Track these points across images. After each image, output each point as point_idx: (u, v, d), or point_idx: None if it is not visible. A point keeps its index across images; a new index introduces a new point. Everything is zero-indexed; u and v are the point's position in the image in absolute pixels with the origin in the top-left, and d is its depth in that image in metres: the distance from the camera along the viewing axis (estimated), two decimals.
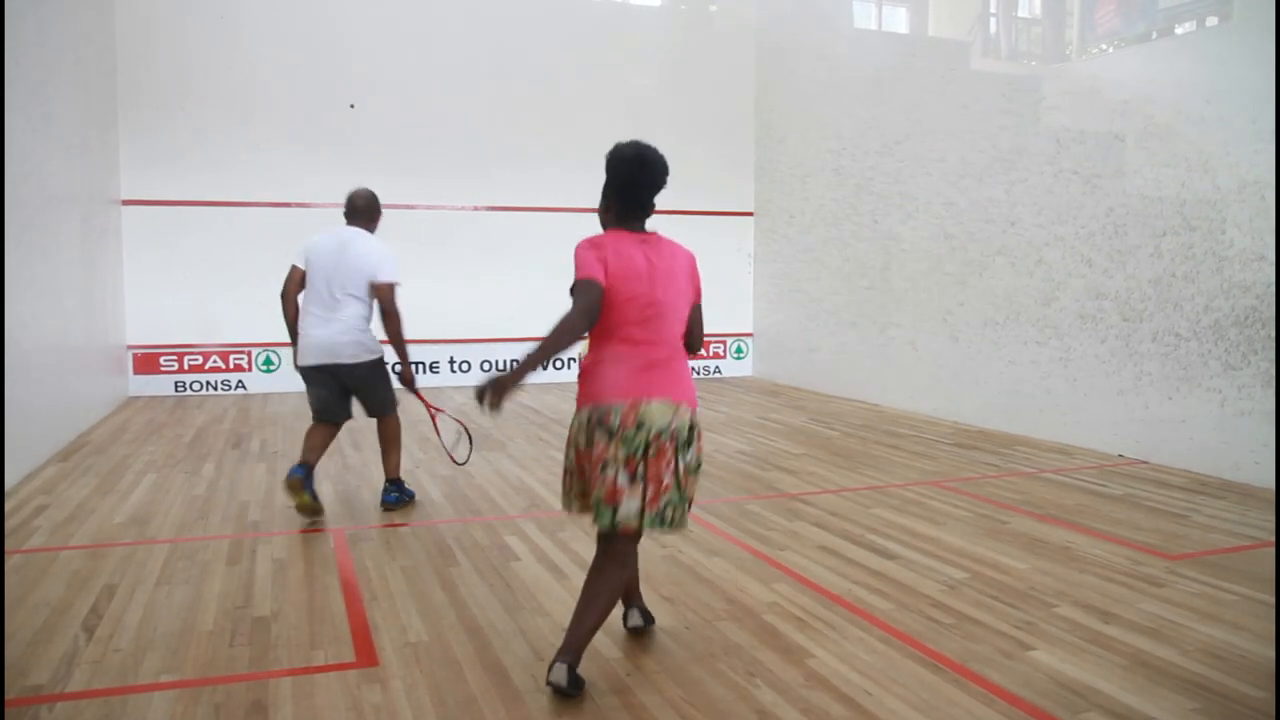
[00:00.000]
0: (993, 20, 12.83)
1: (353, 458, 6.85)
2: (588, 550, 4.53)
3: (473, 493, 5.77)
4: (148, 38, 9.94)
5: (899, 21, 13.76)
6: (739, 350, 12.28)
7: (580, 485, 3.07)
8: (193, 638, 3.44)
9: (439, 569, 4.27)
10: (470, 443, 5.95)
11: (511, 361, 2.96)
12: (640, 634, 3.48)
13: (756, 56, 12.10)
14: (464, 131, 11.01)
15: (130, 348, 9.99)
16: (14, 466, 5.81)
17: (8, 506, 5.33)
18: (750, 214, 12.24)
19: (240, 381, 10.41)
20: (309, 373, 5.17)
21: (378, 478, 6.17)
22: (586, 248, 3.04)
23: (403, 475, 6.24)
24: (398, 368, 5.25)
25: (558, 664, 2.92)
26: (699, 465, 3.11)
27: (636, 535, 3.07)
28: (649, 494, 2.95)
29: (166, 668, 3.18)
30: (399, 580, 4.10)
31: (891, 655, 3.29)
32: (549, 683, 2.92)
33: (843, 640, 3.43)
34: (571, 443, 3.10)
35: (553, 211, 11.33)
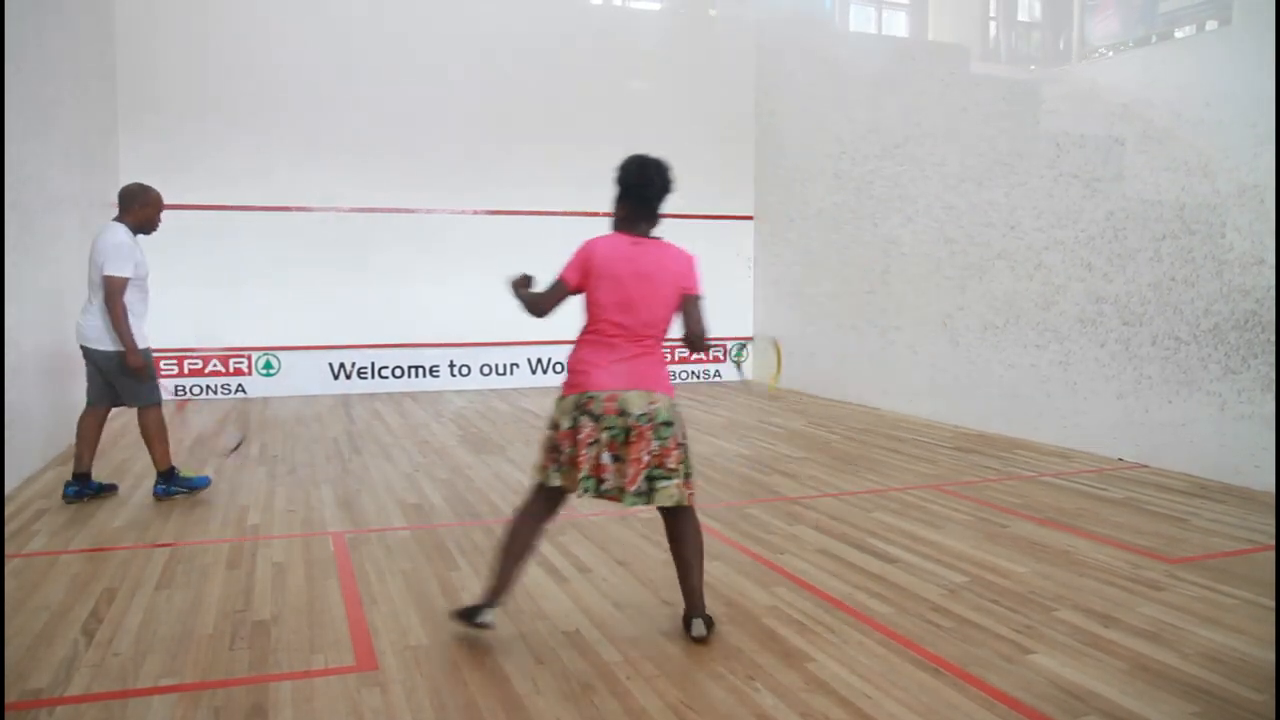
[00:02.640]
0: (992, 24, 12.86)
1: (353, 462, 6.85)
2: (588, 555, 4.54)
3: (472, 496, 5.77)
4: (147, 41, 9.95)
5: (899, 25, 13.79)
6: (739, 354, 12.28)
7: (560, 461, 3.42)
8: (192, 641, 3.44)
9: (439, 572, 4.26)
10: (239, 442, 6.43)
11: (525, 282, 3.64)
12: (673, 638, 3.48)
13: (756, 60, 12.11)
14: (463, 136, 11.02)
15: None
16: (14, 470, 5.80)
17: (8, 510, 5.33)
18: (750, 218, 12.25)
19: (240, 385, 10.41)
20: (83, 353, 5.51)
21: (378, 482, 6.18)
22: (578, 250, 3.49)
23: (404, 479, 6.25)
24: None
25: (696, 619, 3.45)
26: (682, 444, 3.44)
27: (675, 508, 3.46)
28: (629, 474, 3.31)
29: (166, 671, 3.17)
30: (399, 584, 4.10)
31: (891, 659, 3.29)
32: (694, 637, 3.44)
33: (843, 644, 3.43)
34: (553, 424, 3.48)
35: (553, 215, 11.34)
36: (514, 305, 3.63)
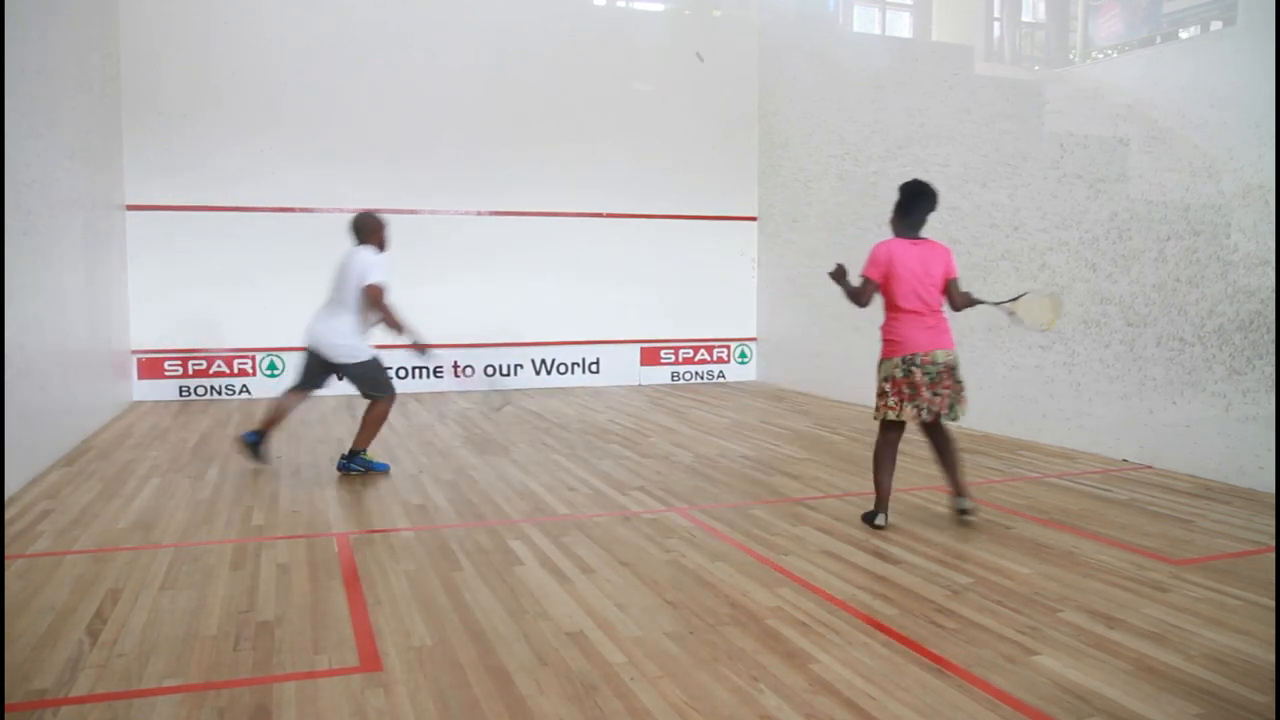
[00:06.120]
0: (996, 25, 12.86)
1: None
2: (590, 555, 4.54)
3: (476, 497, 5.78)
4: (152, 42, 9.98)
5: (902, 26, 13.79)
6: (743, 355, 12.28)
7: (899, 401, 4.89)
8: (196, 642, 3.44)
9: (442, 573, 4.27)
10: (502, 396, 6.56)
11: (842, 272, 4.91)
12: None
13: (759, 61, 12.12)
14: (467, 136, 11.03)
15: (134, 352, 10.01)
16: (18, 471, 5.82)
17: (12, 511, 5.35)
18: (754, 219, 12.25)
19: (245, 386, 10.43)
20: None
21: (382, 483, 6.19)
22: (873, 252, 4.91)
23: (408, 480, 6.26)
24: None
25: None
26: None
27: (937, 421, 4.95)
28: (940, 401, 4.85)
29: (170, 672, 3.18)
30: (402, 584, 4.11)
31: (895, 660, 3.29)
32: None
33: (847, 645, 3.42)
34: (887, 377, 4.97)
35: (556, 216, 11.36)
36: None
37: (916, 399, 4.86)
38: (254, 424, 6.66)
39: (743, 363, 12.31)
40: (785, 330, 11.72)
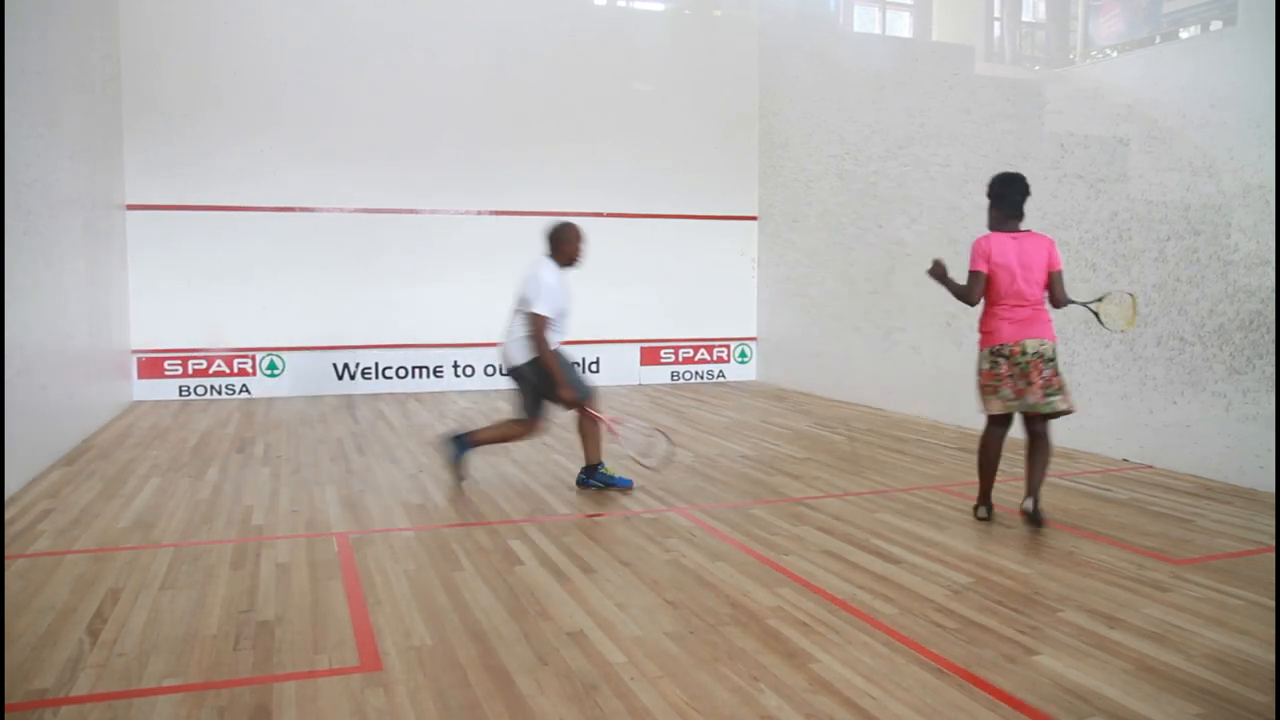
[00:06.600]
0: (996, 24, 12.85)
1: (356, 463, 6.86)
2: (591, 554, 4.54)
3: (476, 497, 5.78)
4: (152, 43, 9.98)
5: (902, 25, 13.78)
6: (743, 354, 12.27)
7: (987, 393, 4.98)
8: (197, 642, 3.44)
9: (442, 573, 4.27)
10: (667, 440, 6.37)
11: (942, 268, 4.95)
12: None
13: (759, 61, 12.12)
14: (467, 136, 11.03)
15: (135, 352, 10.01)
16: (19, 471, 5.82)
17: (12, 511, 5.35)
18: (754, 218, 12.25)
19: (244, 386, 10.43)
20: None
21: (382, 482, 6.19)
22: (974, 247, 4.90)
23: (408, 479, 6.26)
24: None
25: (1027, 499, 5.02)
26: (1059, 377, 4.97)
27: (1039, 417, 5.02)
28: (1034, 394, 4.90)
29: (170, 672, 3.18)
30: (403, 584, 4.11)
31: (896, 660, 3.29)
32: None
33: (847, 645, 3.42)
34: (979, 370, 5.01)
35: (555, 216, 11.32)
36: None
37: (999, 391, 4.93)
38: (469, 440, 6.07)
39: (743, 362, 12.31)
40: (785, 330, 11.72)
